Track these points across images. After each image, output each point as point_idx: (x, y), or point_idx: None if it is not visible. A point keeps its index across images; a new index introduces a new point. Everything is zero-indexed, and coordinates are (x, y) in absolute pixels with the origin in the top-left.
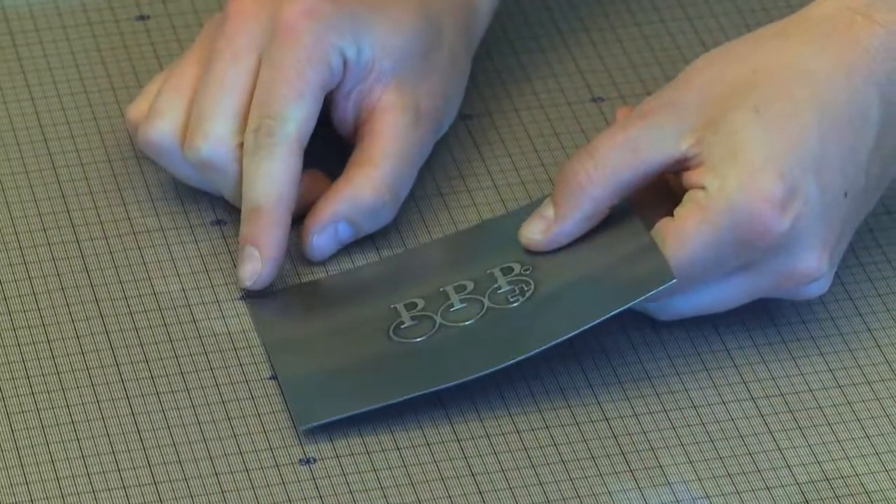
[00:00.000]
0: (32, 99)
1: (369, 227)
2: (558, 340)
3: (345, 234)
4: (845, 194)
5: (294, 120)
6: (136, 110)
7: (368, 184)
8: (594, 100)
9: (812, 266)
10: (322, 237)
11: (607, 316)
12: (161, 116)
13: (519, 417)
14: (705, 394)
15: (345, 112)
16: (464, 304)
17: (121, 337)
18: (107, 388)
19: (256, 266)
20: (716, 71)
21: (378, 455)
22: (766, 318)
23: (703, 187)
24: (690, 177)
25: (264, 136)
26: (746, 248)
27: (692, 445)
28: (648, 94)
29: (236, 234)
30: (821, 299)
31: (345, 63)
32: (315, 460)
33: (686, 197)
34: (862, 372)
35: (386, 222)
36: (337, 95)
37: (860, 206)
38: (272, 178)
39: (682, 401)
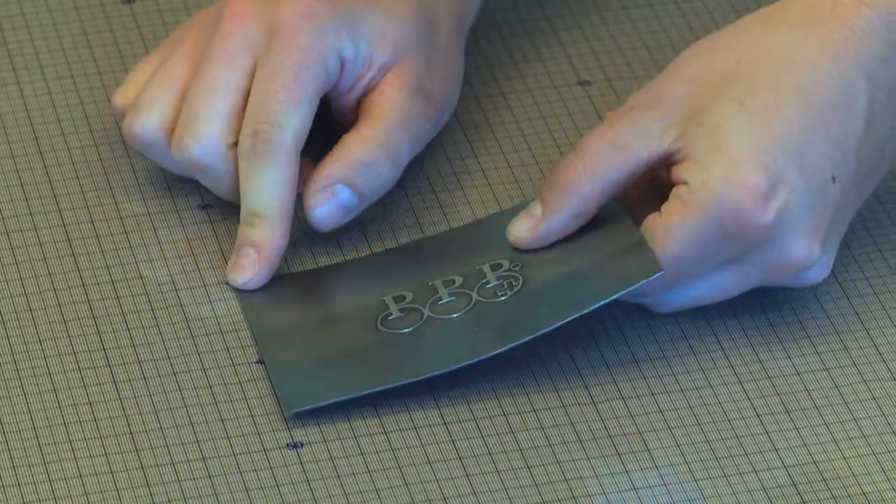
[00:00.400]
0: (19, 83)
1: (370, 188)
2: (546, 330)
3: (345, 197)
4: (833, 179)
5: (291, 126)
6: (121, 97)
7: (357, 141)
8: (581, 83)
9: (801, 255)
10: (323, 207)
11: (595, 306)
12: (147, 111)
13: (506, 400)
14: (693, 377)
15: (347, 105)
16: (452, 298)
17: (107, 321)
18: (93, 372)
19: (252, 268)
20: (702, 62)
21: (365, 439)
22: (754, 302)
23: (687, 182)
24: (676, 171)
25: (261, 143)
26: (733, 241)
27: (679, 429)
28: (635, 77)
29: (223, 218)
30: None
31: (342, 64)
32: (302, 444)
33: (672, 192)
34: (849, 355)
35: (387, 184)
36: (336, 93)
37: (853, 190)
38: (271, 186)
39: (670, 384)
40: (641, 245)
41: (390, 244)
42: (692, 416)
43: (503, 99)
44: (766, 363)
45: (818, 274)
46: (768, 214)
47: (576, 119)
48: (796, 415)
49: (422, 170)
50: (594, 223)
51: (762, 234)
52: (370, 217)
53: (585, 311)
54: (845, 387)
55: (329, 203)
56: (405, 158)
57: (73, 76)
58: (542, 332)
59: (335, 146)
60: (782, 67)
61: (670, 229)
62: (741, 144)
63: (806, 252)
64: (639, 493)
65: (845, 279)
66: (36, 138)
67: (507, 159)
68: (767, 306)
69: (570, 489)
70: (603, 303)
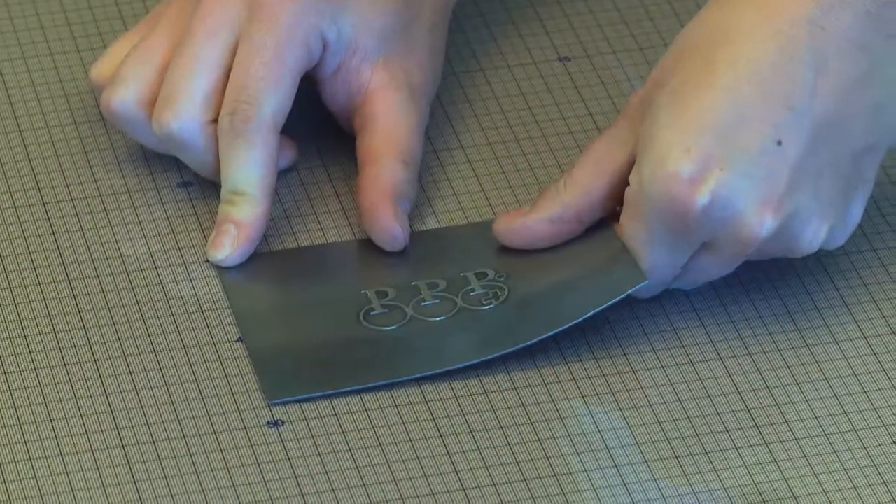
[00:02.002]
0: None
1: (415, 193)
2: (531, 342)
3: (406, 208)
4: (778, 143)
5: (270, 105)
6: (98, 71)
7: (399, 160)
8: (560, 59)
9: (753, 228)
10: (398, 230)
11: (581, 318)
12: (125, 85)
13: (487, 378)
14: (673, 353)
15: (333, 90)
16: (436, 301)
17: (87, 300)
18: (74, 350)
19: (232, 244)
20: (660, 62)
21: (346, 416)
22: (733, 277)
23: (629, 184)
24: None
25: (241, 122)
26: (683, 231)
27: (660, 405)
28: (614, 53)
29: (203, 196)
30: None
31: (324, 44)
32: (283, 422)
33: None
34: (829, 331)
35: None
36: (321, 75)
37: (823, 145)
38: (252, 164)
39: (651, 361)
40: (623, 253)
41: None
42: (672, 393)
43: (482, 75)
44: (746, 339)
45: (809, 242)
46: (701, 198)
47: (555, 95)
48: (777, 391)
49: None
50: (580, 238)
51: (702, 217)
52: (352, 193)
53: (570, 324)
54: (826, 363)
55: (399, 225)
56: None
57: (51, 53)
58: (527, 343)
59: (373, 166)
60: (718, 43)
61: (626, 236)
62: (665, 135)
63: (757, 224)
64: (620, 471)
65: (824, 253)
66: (15, 117)
67: (486, 136)
68: (745, 280)
69: (551, 467)
70: (587, 315)
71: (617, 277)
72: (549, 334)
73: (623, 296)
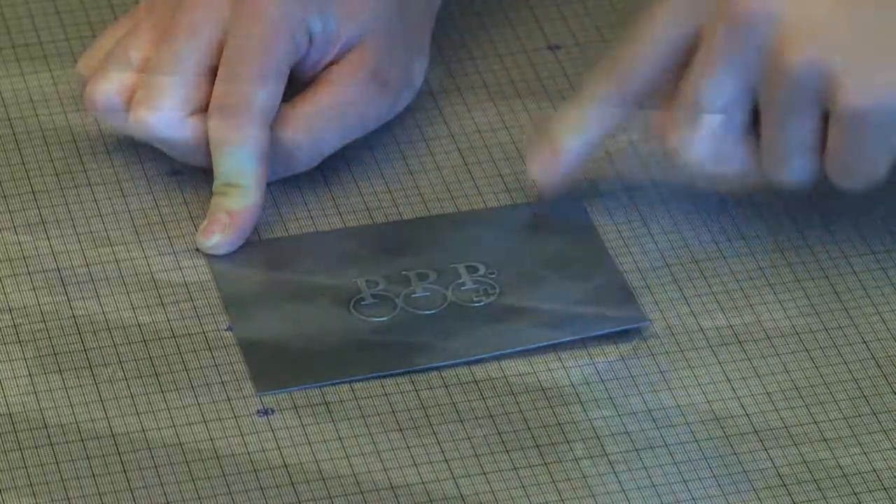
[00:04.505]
0: None
1: (283, 167)
2: (519, 349)
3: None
4: None
5: (259, 98)
6: (85, 64)
7: (281, 121)
8: (550, 48)
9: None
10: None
11: (571, 339)
12: (108, 79)
13: (477, 367)
14: (663, 342)
15: (314, 77)
16: (426, 293)
17: (77, 289)
18: (63, 340)
19: (222, 231)
20: None
21: (336, 405)
22: (721, 260)
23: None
24: None
25: (229, 117)
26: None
27: (650, 394)
28: (604, 41)
29: (193, 185)
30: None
31: (310, 38)
32: (273, 411)
33: None
34: (811, 304)
35: (306, 167)
36: (303, 67)
37: None
38: (242, 158)
39: (642, 350)
40: (627, 293)
41: (361, 213)
42: (663, 382)
43: (472, 64)
44: (737, 328)
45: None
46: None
47: (545, 84)
48: (757, 362)
49: (391, 136)
50: (578, 256)
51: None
52: (340, 181)
53: (560, 341)
54: (810, 344)
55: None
56: (328, 148)
57: (41, 42)
58: (515, 349)
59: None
60: None
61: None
62: None
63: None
64: (609, 458)
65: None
66: (5, 105)
67: (476, 124)
68: (738, 269)
69: (541, 455)
70: (579, 337)
71: (615, 313)
72: (536, 346)
73: (617, 329)
